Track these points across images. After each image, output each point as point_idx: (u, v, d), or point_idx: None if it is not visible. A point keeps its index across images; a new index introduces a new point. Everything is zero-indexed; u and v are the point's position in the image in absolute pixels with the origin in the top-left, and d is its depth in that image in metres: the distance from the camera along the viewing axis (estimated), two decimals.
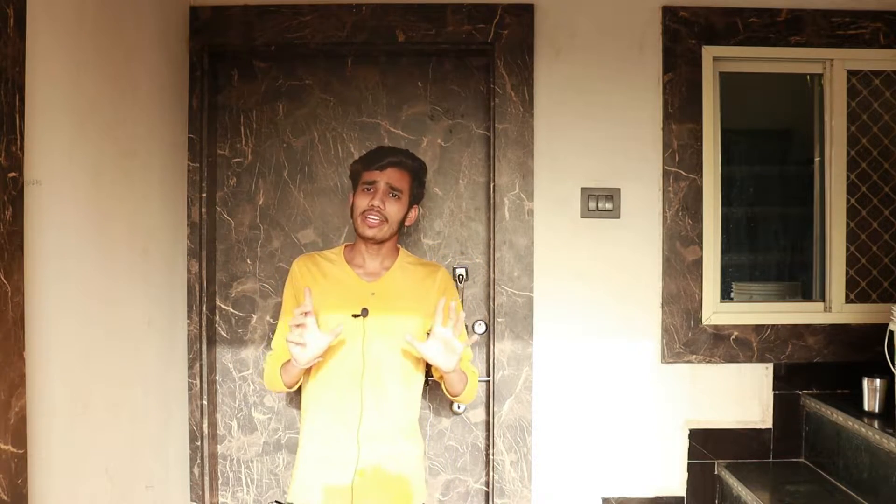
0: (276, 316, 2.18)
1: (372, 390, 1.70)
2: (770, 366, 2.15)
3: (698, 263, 2.13)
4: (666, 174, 2.12)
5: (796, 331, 2.15)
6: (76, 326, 1.40)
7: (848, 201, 2.21)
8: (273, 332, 2.16)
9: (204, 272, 2.10)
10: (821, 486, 1.96)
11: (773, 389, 2.15)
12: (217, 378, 2.23)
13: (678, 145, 2.12)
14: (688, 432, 2.15)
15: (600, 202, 2.13)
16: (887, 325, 1.89)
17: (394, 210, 1.74)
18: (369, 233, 1.72)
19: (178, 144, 2.03)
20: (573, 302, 2.13)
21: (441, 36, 2.10)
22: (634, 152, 2.13)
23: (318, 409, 1.73)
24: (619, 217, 2.13)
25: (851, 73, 2.21)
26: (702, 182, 2.12)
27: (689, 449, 2.15)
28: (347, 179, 2.01)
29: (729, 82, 2.21)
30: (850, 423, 1.91)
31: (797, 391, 2.16)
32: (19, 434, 1.13)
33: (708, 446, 2.15)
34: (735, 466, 2.11)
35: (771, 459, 2.15)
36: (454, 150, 2.23)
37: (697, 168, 2.12)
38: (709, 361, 2.14)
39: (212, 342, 2.19)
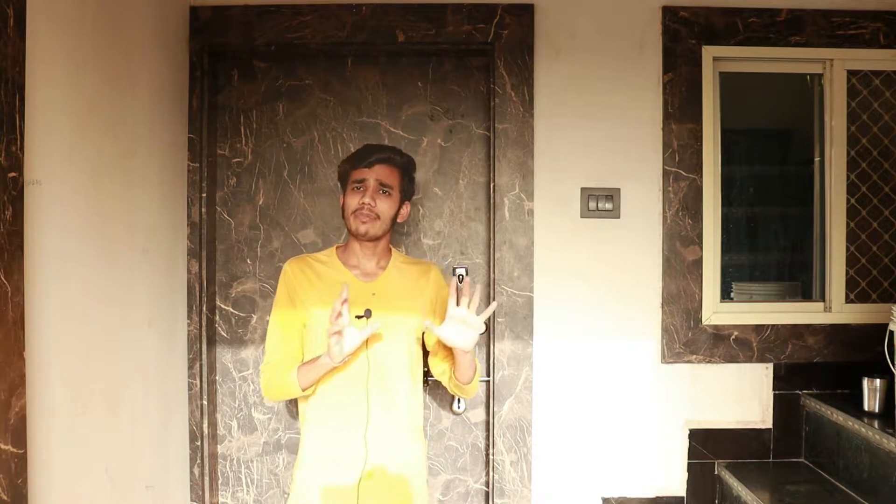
0: None
1: (377, 390, 1.70)
2: (770, 366, 2.15)
3: (698, 263, 2.13)
4: (666, 174, 2.12)
5: (796, 331, 2.15)
6: (76, 326, 1.40)
7: (848, 201, 2.21)
8: None
9: (204, 272, 2.10)
10: (821, 486, 1.96)
11: (773, 389, 2.15)
12: (217, 378, 2.23)
13: (678, 145, 2.12)
14: (688, 432, 2.15)
15: (600, 202, 2.13)
16: (887, 325, 1.89)
17: (385, 207, 1.72)
18: (363, 228, 1.70)
19: (178, 144, 2.03)
20: (573, 302, 2.13)
21: (441, 36, 2.10)
22: (634, 152, 2.13)
23: (322, 410, 1.72)
24: (619, 217, 2.13)
25: (851, 73, 2.21)
26: (702, 182, 2.12)
27: (689, 449, 2.15)
28: None
29: (729, 82, 2.21)
30: (850, 423, 1.90)
31: (797, 391, 2.16)
32: (19, 434, 1.13)
33: (708, 446, 2.15)
34: (735, 466, 2.11)
35: (771, 459, 2.15)
36: (454, 150, 2.23)
37: (697, 168, 2.12)
38: (709, 361, 2.14)
39: (212, 342, 2.19)
